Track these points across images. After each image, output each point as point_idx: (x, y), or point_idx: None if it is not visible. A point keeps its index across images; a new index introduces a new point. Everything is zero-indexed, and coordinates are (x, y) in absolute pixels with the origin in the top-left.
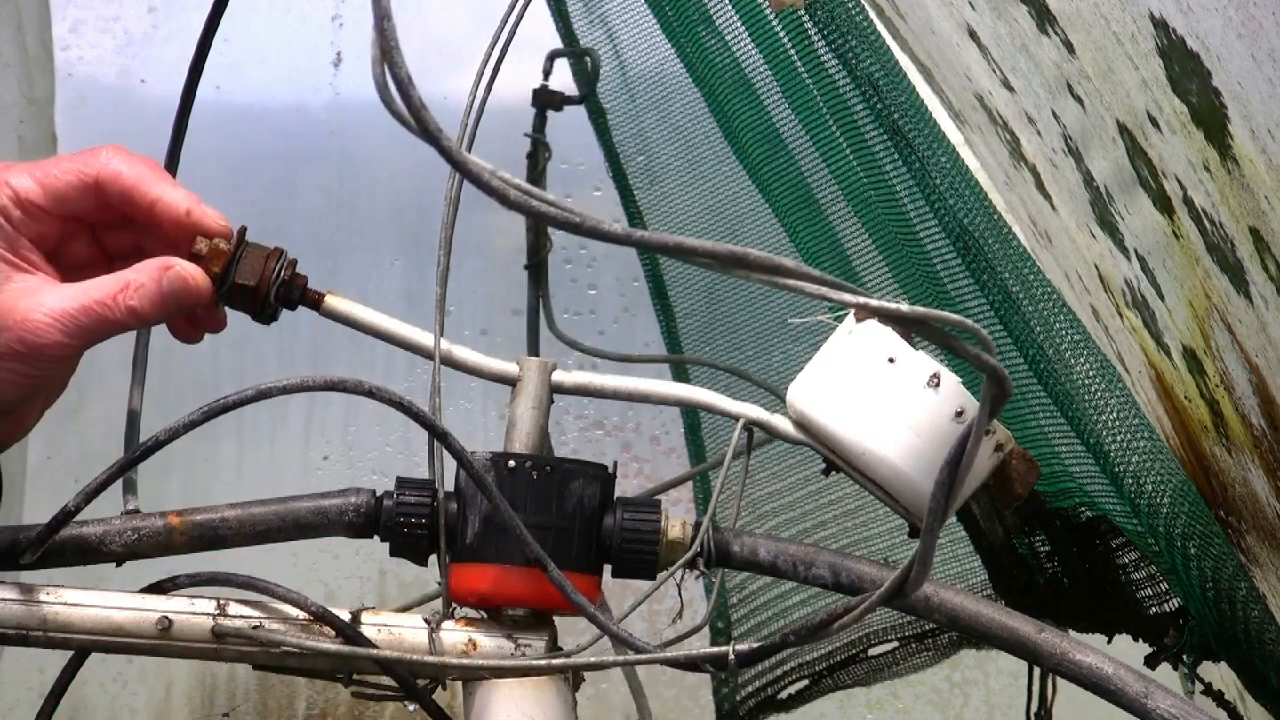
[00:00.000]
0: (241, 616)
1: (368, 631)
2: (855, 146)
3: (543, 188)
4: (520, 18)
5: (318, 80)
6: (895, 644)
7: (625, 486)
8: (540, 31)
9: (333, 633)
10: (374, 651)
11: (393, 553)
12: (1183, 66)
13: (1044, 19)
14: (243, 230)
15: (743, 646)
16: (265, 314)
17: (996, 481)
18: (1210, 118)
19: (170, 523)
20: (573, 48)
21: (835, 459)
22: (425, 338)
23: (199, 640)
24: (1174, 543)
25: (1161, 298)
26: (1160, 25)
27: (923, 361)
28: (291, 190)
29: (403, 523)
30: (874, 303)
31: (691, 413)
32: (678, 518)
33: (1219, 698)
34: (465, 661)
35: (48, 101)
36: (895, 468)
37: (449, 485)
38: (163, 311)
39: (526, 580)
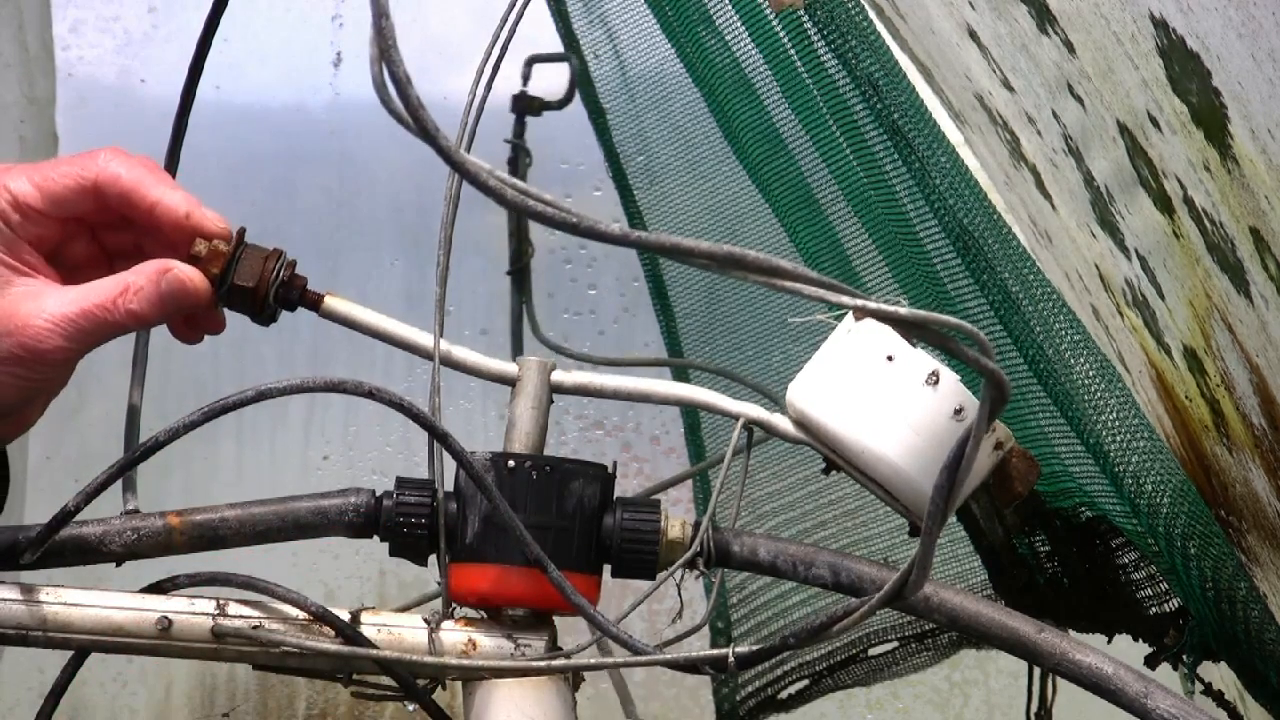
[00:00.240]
0: (241, 616)
1: (368, 631)
2: (855, 146)
3: None
4: (520, 18)
5: (318, 80)
6: (895, 644)
7: (625, 486)
8: (540, 31)
9: (333, 633)
10: (374, 651)
11: (392, 553)
12: (1183, 66)
13: (1044, 19)
14: (242, 231)
15: (742, 649)
16: (264, 315)
17: (996, 480)
18: (1210, 118)
19: (170, 523)
20: (563, 50)
21: (835, 458)
22: (425, 338)
23: (199, 640)
24: (1174, 543)
25: (1162, 297)
26: (1160, 25)
27: (921, 359)
28: (291, 190)
29: (402, 523)
30: (871, 304)
31: (691, 412)
32: (677, 518)
33: (1219, 698)
34: (465, 662)
35: (48, 101)
36: (895, 466)
37: (449, 485)
38: (162, 314)
39: (526, 580)
